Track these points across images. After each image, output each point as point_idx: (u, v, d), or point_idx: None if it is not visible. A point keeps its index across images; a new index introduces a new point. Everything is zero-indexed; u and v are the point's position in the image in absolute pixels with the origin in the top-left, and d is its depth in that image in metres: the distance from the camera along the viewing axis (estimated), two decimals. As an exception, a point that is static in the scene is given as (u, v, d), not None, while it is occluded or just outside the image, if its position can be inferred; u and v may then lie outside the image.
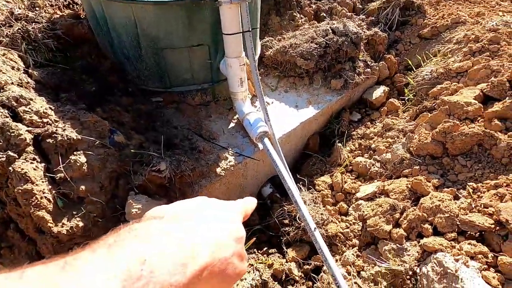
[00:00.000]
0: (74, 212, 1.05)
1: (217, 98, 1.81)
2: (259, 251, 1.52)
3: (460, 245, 1.10)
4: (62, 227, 1.01)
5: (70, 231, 1.02)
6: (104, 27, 1.45)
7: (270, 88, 2.02)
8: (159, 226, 0.36)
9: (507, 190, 1.16)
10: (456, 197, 1.26)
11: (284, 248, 1.52)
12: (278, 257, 1.49)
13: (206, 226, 0.39)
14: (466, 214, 1.15)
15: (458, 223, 1.15)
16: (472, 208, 1.18)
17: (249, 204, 0.56)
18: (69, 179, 1.05)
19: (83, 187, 1.07)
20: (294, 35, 2.13)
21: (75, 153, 1.10)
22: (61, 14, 1.66)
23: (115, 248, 0.31)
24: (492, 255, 1.04)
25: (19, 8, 1.48)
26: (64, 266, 0.28)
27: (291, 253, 1.46)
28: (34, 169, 1.01)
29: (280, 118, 1.79)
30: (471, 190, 1.25)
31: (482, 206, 1.16)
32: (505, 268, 0.99)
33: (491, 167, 1.28)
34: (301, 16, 2.46)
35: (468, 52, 1.88)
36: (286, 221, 1.62)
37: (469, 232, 1.13)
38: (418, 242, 1.20)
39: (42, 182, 1.02)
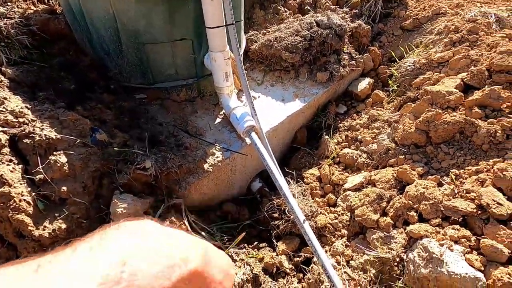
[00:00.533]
0: (56, 214, 1.02)
1: (202, 94, 1.79)
2: (250, 245, 1.52)
3: (445, 230, 1.13)
4: (44, 230, 0.98)
5: (53, 233, 0.98)
6: (82, 21, 1.40)
7: (256, 82, 2.00)
8: (153, 224, 0.35)
9: (487, 175, 1.20)
10: (440, 184, 1.30)
11: (274, 241, 1.52)
12: (269, 250, 1.50)
13: (194, 238, 0.38)
14: (450, 200, 1.18)
15: (442, 209, 1.18)
16: (455, 194, 1.22)
17: None
18: (49, 180, 1.01)
19: (64, 188, 1.04)
20: (278, 29, 2.12)
21: (54, 153, 1.06)
22: (35, 9, 1.59)
23: (98, 248, 0.29)
24: (475, 238, 1.07)
25: (-11, 3, 1.41)
26: (37, 269, 0.26)
27: (281, 246, 1.47)
28: (11, 171, 0.97)
29: (267, 112, 1.79)
30: (454, 177, 1.28)
31: (465, 191, 1.19)
32: (486, 251, 1.02)
33: (472, 154, 1.32)
34: (286, 9, 2.45)
35: (449, 43, 1.92)
36: (276, 215, 1.62)
37: (452, 217, 1.16)
38: (405, 229, 1.23)
39: (21, 184, 0.98)
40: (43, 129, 1.07)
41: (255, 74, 2.06)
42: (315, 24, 2.04)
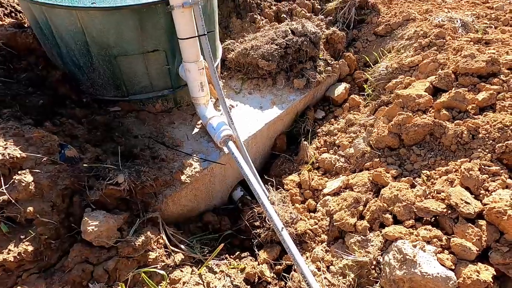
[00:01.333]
0: (22, 236, 0.98)
1: (179, 104, 1.77)
2: (231, 256, 1.50)
3: (418, 231, 1.15)
4: (9, 253, 0.93)
5: (18, 257, 0.94)
6: (50, 35, 1.37)
7: (234, 91, 2.01)
8: None
9: (456, 175, 1.23)
10: (413, 186, 1.33)
11: (256, 250, 1.51)
12: (251, 260, 1.48)
13: None
14: (422, 201, 1.21)
15: (415, 210, 1.21)
16: (427, 195, 1.25)
17: None
18: (13, 201, 0.97)
19: (31, 208, 1.00)
20: (255, 37, 2.14)
21: (19, 172, 1.02)
22: (1, 23, 1.54)
23: None
24: (446, 238, 1.10)
25: (-50, 19, 1.36)
26: None
27: (262, 255, 1.46)
28: (-28, 194, 0.93)
29: (246, 120, 1.79)
30: (425, 178, 1.32)
31: (435, 192, 1.23)
32: (456, 249, 1.05)
33: (442, 155, 1.36)
34: (262, 18, 2.48)
35: (418, 47, 1.99)
36: (257, 223, 1.62)
37: (425, 218, 1.19)
38: (381, 232, 1.25)
39: (-18, 206, 0.94)
40: (6, 147, 1.04)
41: (233, 83, 2.06)
42: (290, 32, 2.07)
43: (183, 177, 1.45)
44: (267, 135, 1.91)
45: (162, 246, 1.30)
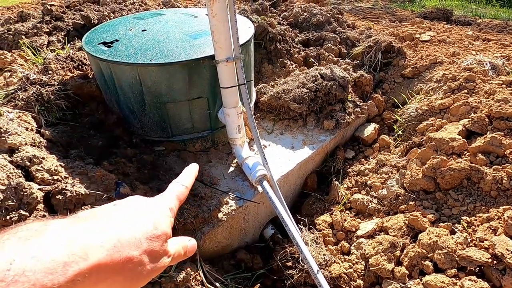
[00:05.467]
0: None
1: (216, 144, 1.91)
2: (264, 297, 1.50)
3: (462, 281, 1.11)
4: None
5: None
6: (112, 86, 1.59)
7: (266, 131, 2.13)
8: (57, 226, 0.34)
9: (499, 223, 1.20)
10: (452, 232, 1.30)
11: (289, 292, 1.50)
12: (284, 302, 1.47)
13: (115, 224, 0.38)
14: (464, 249, 1.18)
15: (456, 258, 1.17)
16: (469, 243, 1.21)
17: (183, 181, 0.54)
18: (77, 234, 1.08)
19: (90, 241, 1.10)
20: (286, 81, 2.30)
21: (82, 208, 1.15)
22: (71, 75, 1.81)
23: None
24: (494, 290, 1.06)
25: (34, 74, 1.63)
26: None
27: (296, 297, 1.45)
28: (44, 226, 1.06)
29: (278, 159, 1.87)
30: (465, 224, 1.29)
31: (478, 240, 1.19)
32: (507, 304, 1.00)
33: (481, 200, 1.34)
34: (291, 62, 2.67)
35: (448, 90, 2.03)
36: (290, 264, 1.62)
37: (468, 268, 1.15)
38: (421, 280, 1.21)
39: (51, 238, 1.06)
40: (74, 185, 1.18)
41: (265, 123, 2.19)
42: (319, 76, 2.21)
43: (220, 215, 1.53)
44: (299, 174, 1.97)
45: (200, 283, 1.34)
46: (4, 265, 0.28)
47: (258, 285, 1.31)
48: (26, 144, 1.25)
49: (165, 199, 0.49)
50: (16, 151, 1.20)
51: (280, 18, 3.28)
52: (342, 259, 1.56)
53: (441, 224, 1.33)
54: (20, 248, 0.30)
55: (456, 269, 1.16)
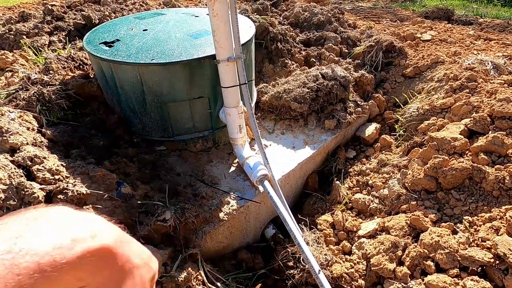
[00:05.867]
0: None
1: (217, 144, 1.90)
2: (265, 297, 1.50)
3: (464, 281, 1.11)
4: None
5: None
6: (113, 86, 1.59)
7: (267, 131, 2.12)
8: (66, 208, 0.35)
9: (501, 222, 1.20)
10: (454, 232, 1.29)
11: (290, 292, 1.50)
12: (285, 302, 1.47)
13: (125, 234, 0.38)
14: (466, 249, 1.17)
15: (458, 258, 1.17)
16: (471, 243, 1.21)
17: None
18: (78, 234, 1.08)
19: (91, 241, 1.10)
20: (287, 81, 2.29)
21: (84, 207, 1.15)
22: (72, 75, 1.81)
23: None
24: (496, 291, 1.05)
25: (36, 73, 1.63)
26: None
27: (297, 297, 1.45)
28: (46, 226, 1.06)
29: (279, 159, 1.87)
30: (467, 224, 1.28)
31: (480, 240, 1.19)
32: (510, 304, 1.00)
33: (483, 200, 1.33)
34: (292, 62, 2.66)
35: (449, 90, 2.03)
36: (291, 264, 1.62)
37: (471, 268, 1.14)
38: (423, 280, 1.21)
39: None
40: (75, 185, 1.18)
41: (266, 123, 2.19)
42: (320, 76, 2.21)
43: (221, 215, 1.52)
44: (300, 174, 1.96)
45: (201, 282, 1.34)
46: (11, 240, 0.27)
47: (260, 285, 1.31)
48: (27, 143, 1.25)
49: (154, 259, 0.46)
50: (18, 151, 1.20)
51: (281, 18, 3.27)
52: (344, 259, 1.55)
53: (443, 224, 1.33)
54: (27, 226, 0.30)
55: (458, 269, 1.15)
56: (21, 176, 1.12)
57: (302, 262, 1.52)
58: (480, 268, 1.14)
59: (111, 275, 0.34)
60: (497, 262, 1.10)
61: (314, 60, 2.76)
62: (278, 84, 2.32)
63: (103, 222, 0.36)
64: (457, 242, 1.21)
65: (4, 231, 0.29)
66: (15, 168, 1.12)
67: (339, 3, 4.94)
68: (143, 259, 0.38)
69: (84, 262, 0.30)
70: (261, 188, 1.63)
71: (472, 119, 1.65)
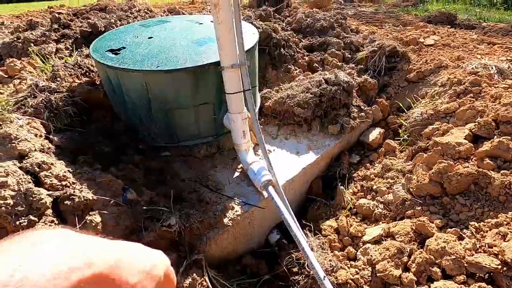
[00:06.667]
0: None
1: (221, 149, 1.92)
2: (270, 303, 1.49)
3: (471, 288, 1.10)
4: None
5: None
6: (119, 93, 1.61)
7: (271, 136, 2.13)
8: (64, 232, 0.36)
9: (508, 228, 1.19)
10: (460, 238, 1.28)
11: (295, 298, 1.49)
12: (290, 309, 1.46)
13: (122, 245, 0.40)
14: (472, 255, 1.16)
15: (465, 265, 1.16)
16: (477, 249, 1.20)
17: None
18: (85, 239, 1.09)
19: (97, 246, 1.11)
20: (290, 86, 2.31)
21: (90, 213, 1.16)
22: (79, 82, 1.84)
23: None
24: (504, 298, 1.04)
25: (43, 81, 1.66)
26: None
27: (302, 304, 1.44)
28: (53, 232, 1.07)
29: (283, 164, 1.87)
30: (473, 230, 1.27)
31: (487, 246, 1.18)
32: (518, 312, 0.98)
33: (490, 206, 1.32)
34: (296, 68, 2.68)
35: (453, 94, 2.02)
36: (295, 269, 1.61)
37: (478, 274, 1.13)
38: (429, 286, 1.20)
39: (60, 244, 1.07)
40: (82, 190, 1.20)
41: (270, 128, 2.20)
42: (324, 81, 2.22)
43: (225, 220, 1.53)
44: (304, 179, 1.97)
45: (205, 289, 1.34)
46: (9, 269, 0.28)
47: (264, 291, 1.31)
48: (35, 150, 1.27)
49: (167, 259, 0.49)
50: (26, 157, 1.22)
51: (284, 24, 3.30)
52: (349, 265, 1.54)
53: (449, 229, 1.32)
54: (27, 253, 0.31)
55: (465, 276, 1.14)
56: (29, 182, 1.14)
57: (307, 268, 1.51)
58: (487, 274, 1.13)
59: None
60: (505, 268, 1.09)
61: (317, 65, 2.77)
62: (281, 90, 2.34)
63: (101, 246, 0.37)
64: (463, 248, 1.21)
65: (2, 260, 0.29)
66: (23, 174, 1.14)
67: (341, 8, 4.97)
68: (143, 272, 0.39)
69: None
70: (265, 194, 1.63)
71: (476, 123, 1.65)
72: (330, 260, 1.52)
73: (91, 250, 0.35)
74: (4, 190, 1.05)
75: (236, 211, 1.58)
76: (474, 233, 1.27)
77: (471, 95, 1.93)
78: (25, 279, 0.28)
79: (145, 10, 3.51)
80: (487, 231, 1.24)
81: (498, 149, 1.43)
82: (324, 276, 1.26)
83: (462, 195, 1.42)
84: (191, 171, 1.74)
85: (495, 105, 1.71)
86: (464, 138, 1.61)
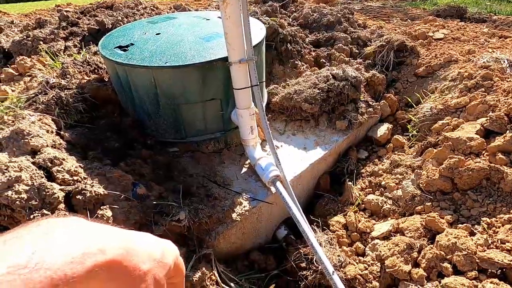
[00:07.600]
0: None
1: (229, 145, 1.92)
2: (278, 298, 1.50)
3: (483, 284, 1.08)
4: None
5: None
6: (128, 89, 1.62)
7: (278, 132, 2.13)
8: (77, 220, 0.37)
9: (521, 224, 1.17)
10: (472, 233, 1.27)
11: (303, 293, 1.49)
12: (298, 303, 1.47)
13: (133, 233, 0.40)
14: (484, 251, 1.15)
15: (477, 260, 1.14)
16: (490, 244, 1.18)
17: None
18: (96, 233, 1.11)
19: (109, 240, 1.13)
20: (297, 82, 2.29)
21: (101, 207, 1.18)
22: (88, 78, 1.86)
23: (10, 241, 0.31)
24: (517, 294, 1.02)
25: (53, 78, 1.68)
26: None
27: (311, 299, 1.44)
28: (66, 226, 1.09)
29: (290, 160, 1.87)
30: (485, 226, 1.26)
31: (499, 242, 1.16)
32: (532, 308, 0.97)
33: (502, 201, 1.30)
34: (303, 63, 2.66)
35: (464, 89, 1.99)
36: (303, 265, 1.61)
37: (490, 270, 1.12)
38: (440, 282, 1.19)
39: (72, 237, 1.09)
40: (93, 185, 1.21)
41: (277, 124, 2.19)
42: (331, 76, 2.20)
43: (233, 215, 1.53)
44: (311, 175, 1.96)
45: (214, 283, 1.35)
46: (27, 253, 0.29)
47: (273, 285, 1.31)
48: (47, 145, 1.29)
49: (176, 248, 0.49)
50: (38, 153, 1.24)
51: (290, 19, 3.28)
52: (357, 261, 1.54)
53: (460, 225, 1.31)
54: (42, 239, 0.31)
55: (476, 271, 1.13)
56: (42, 177, 1.16)
57: (315, 263, 1.51)
58: (499, 270, 1.12)
59: (121, 285, 0.35)
60: (518, 264, 1.07)
61: (324, 60, 2.75)
62: (288, 85, 2.33)
63: (113, 233, 0.37)
64: (475, 244, 1.19)
65: (19, 245, 0.30)
66: (36, 170, 1.16)
67: (348, 3, 4.91)
68: (154, 260, 0.40)
69: (94, 275, 0.32)
70: (273, 189, 1.63)
71: (488, 118, 1.62)
72: (338, 256, 1.52)
73: (104, 237, 0.35)
74: (18, 185, 1.07)
75: (244, 206, 1.58)
76: (486, 229, 1.25)
77: (483, 89, 1.89)
78: (42, 262, 0.29)
79: (151, 7, 3.52)
80: (499, 227, 1.22)
81: (511, 144, 1.40)
82: (333, 271, 1.26)
83: (473, 190, 1.40)
84: (199, 167, 1.75)
85: (507, 99, 1.68)
86: (476, 133, 1.59)
